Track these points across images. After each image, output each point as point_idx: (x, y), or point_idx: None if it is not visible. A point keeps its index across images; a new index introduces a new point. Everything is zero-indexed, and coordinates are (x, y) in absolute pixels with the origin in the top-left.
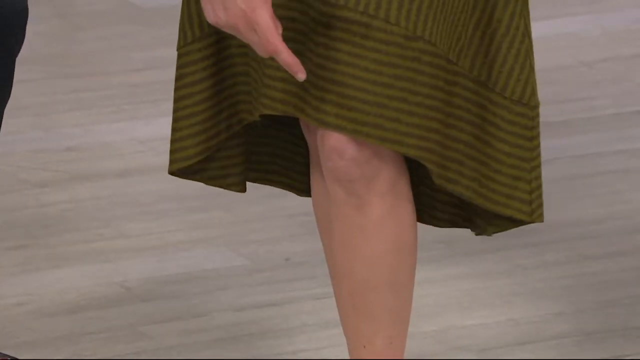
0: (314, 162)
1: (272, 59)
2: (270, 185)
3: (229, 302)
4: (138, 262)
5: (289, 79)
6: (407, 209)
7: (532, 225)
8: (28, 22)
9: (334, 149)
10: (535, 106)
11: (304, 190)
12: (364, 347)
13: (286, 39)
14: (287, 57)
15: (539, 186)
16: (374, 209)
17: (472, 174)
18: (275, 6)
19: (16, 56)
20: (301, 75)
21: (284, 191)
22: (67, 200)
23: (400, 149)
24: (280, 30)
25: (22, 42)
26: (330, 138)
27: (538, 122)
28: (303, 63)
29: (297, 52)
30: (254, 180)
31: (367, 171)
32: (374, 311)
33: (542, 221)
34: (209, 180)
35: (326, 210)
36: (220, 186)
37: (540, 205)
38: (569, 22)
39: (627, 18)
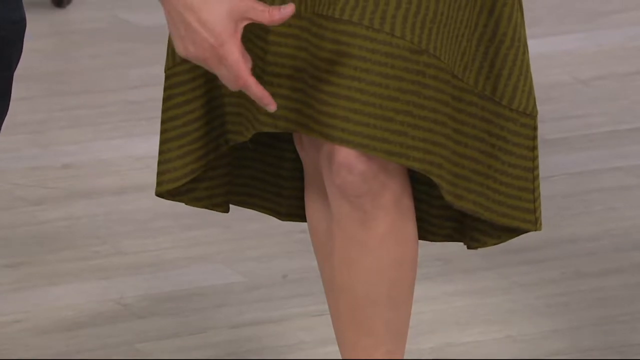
0: (309, 181)
1: (273, 75)
2: (252, 209)
3: (225, 319)
4: (135, 279)
5: (292, 95)
6: (409, 224)
7: (528, 242)
8: (25, 39)
9: (343, 164)
10: (536, 115)
11: (286, 214)
12: None
13: (288, 56)
14: (257, 91)
15: (539, 194)
16: (379, 224)
17: (479, 189)
18: (287, 37)
19: (14, 69)
20: (272, 107)
21: None
22: (63, 217)
23: (407, 163)
24: (250, 64)
25: (20, 55)
26: (339, 154)
27: (537, 131)
28: (306, 79)
29: (299, 69)
30: (236, 204)
31: (374, 186)
32: (374, 326)
33: (541, 229)
34: (194, 202)
35: (322, 229)
36: (206, 207)
37: (540, 213)
38: (566, 39)
39: (623, 36)
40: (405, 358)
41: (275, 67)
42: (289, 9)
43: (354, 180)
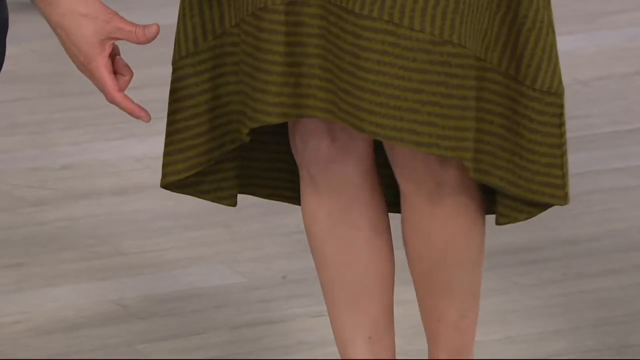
0: (304, 184)
1: (304, 56)
2: (262, 197)
3: (225, 320)
4: (134, 280)
5: (326, 87)
6: (475, 197)
7: (528, 242)
8: (24, 40)
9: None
10: (562, 93)
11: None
12: (438, 320)
13: (310, 55)
14: (126, 106)
15: (568, 170)
16: (445, 200)
17: (506, 165)
18: (296, 25)
19: None
20: (146, 119)
21: (281, 209)
22: (63, 218)
23: (438, 152)
24: (129, 78)
25: (4, 57)
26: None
27: (564, 108)
28: (332, 72)
29: (322, 68)
30: (245, 193)
31: (435, 167)
32: (448, 288)
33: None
34: (201, 194)
35: (321, 225)
36: (212, 200)
37: (569, 187)
38: (565, 40)
39: (623, 36)
40: (405, 358)
41: (302, 47)
42: (153, 29)
43: (417, 165)
